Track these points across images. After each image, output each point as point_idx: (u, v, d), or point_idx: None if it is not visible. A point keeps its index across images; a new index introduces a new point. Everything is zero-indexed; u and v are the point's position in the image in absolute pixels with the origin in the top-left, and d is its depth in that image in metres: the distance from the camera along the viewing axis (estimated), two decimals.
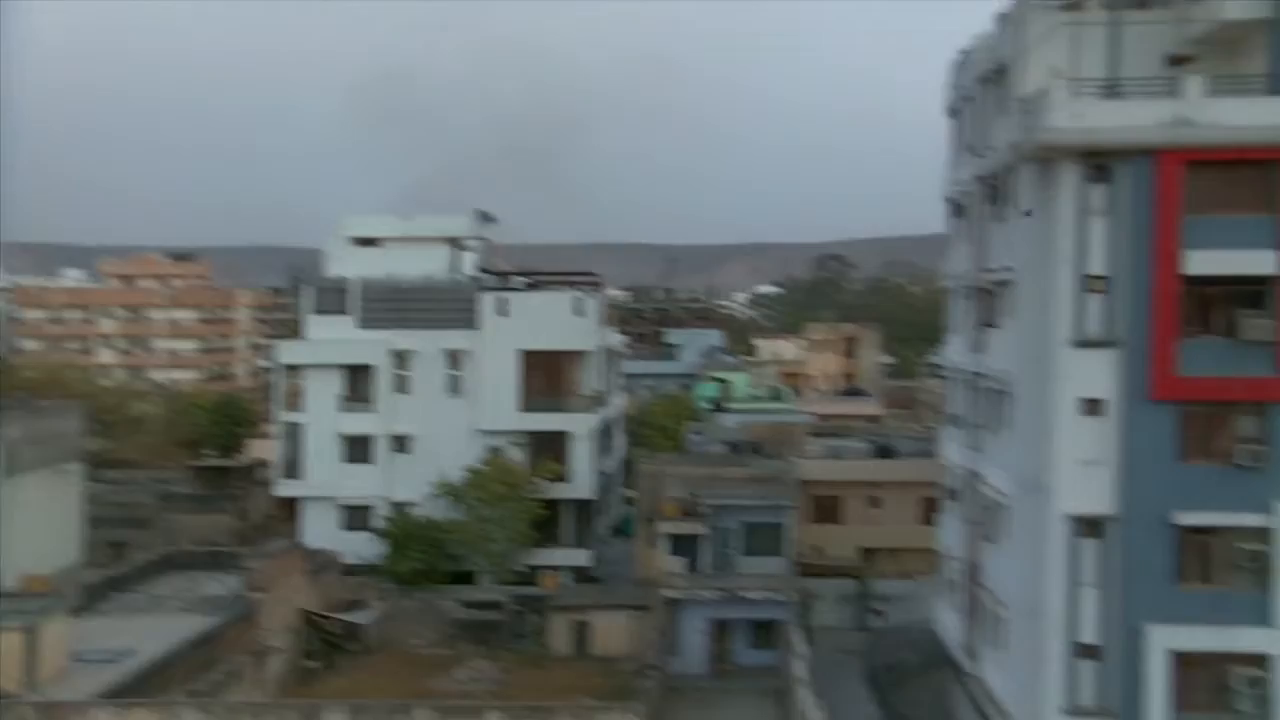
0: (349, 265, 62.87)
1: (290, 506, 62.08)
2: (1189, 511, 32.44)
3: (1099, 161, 33.14)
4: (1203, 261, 32.40)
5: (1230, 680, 32.34)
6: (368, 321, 61.13)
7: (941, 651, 44.93)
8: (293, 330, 66.20)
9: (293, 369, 61.59)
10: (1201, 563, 32.83)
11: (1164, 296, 32.61)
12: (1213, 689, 32.46)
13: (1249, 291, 32.62)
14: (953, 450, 45.43)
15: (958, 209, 45.07)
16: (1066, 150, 33.15)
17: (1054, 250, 33.65)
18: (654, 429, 76.45)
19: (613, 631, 49.29)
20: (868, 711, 44.42)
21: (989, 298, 40.26)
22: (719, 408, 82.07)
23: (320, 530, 59.82)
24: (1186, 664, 32.37)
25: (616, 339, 72.36)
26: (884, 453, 61.36)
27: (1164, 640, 32.35)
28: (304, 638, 48.82)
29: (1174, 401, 32.74)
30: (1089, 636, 33.35)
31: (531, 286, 64.30)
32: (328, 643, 49.52)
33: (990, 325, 40.12)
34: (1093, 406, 33.32)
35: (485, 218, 66.86)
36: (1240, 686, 32.25)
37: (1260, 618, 32.13)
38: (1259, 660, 32.13)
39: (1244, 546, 32.48)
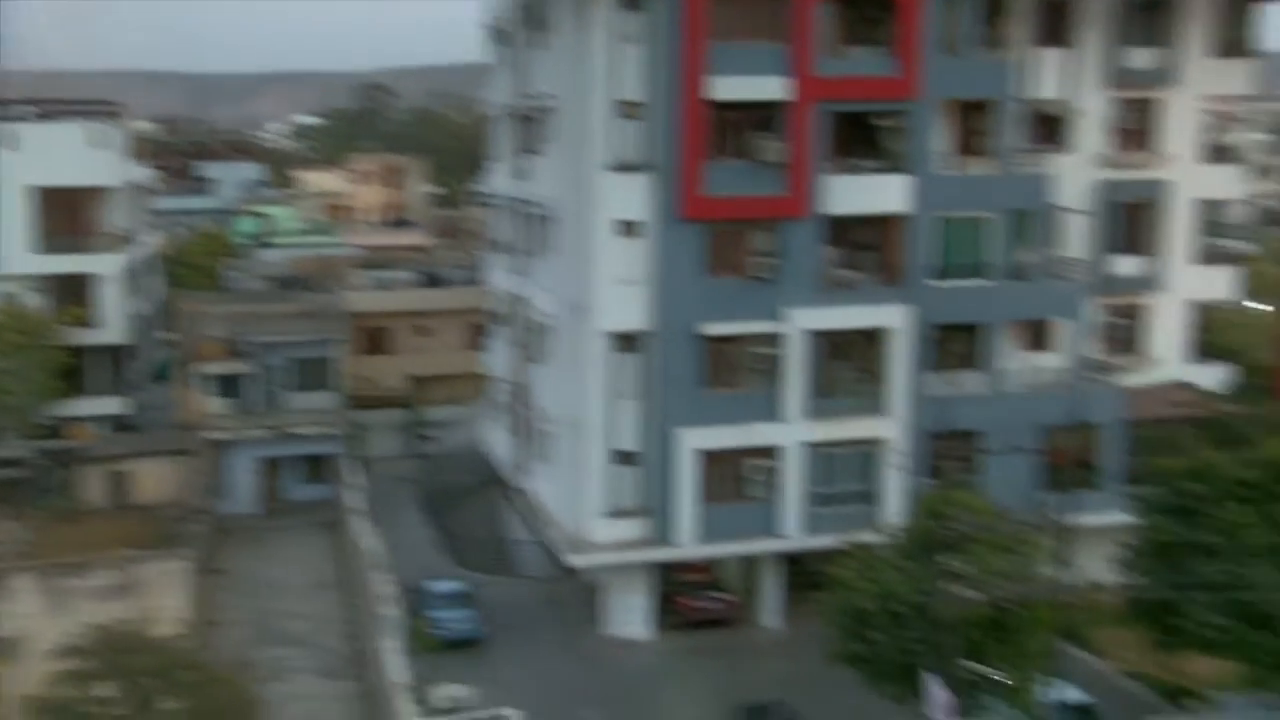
0: None
1: None
2: (714, 322, 35.10)
3: None
4: (725, 87, 34.42)
5: (746, 471, 35.83)
6: None
7: (493, 471, 46.59)
8: None
9: None
10: (724, 368, 35.80)
11: (691, 121, 34.45)
12: (732, 480, 35.84)
13: (763, 116, 35.12)
14: (499, 277, 46.41)
15: (499, 36, 45.09)
16: None
17: (591, 77, 34.54)
18: (192, 268, 72.32)
19: (154, 479, 47.06)
20: (423, 534, 45.51)
21: (531, 125, 40.88)
22: (260, 243, 78.90)
23: None
24: (711, 461, 35.48)
25: (145, 174, 67.28)
26: (432, 282, 61.68)
27: (693, 441, 35.21)
28: None
29: (701, 221, 34.99)
30: (628, 444, 35.70)
31: (44, 116, 58.08)
32: None
33: (533, 152, 40.85)
34: (629, 228, 34.98)
35: None
36: (754, 476, 35.82)
37: (771, 414, 35.62)
38: (769, 452, 35.74)
39: (758, 351, 35.66)
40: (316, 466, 49.67)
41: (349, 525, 42.49)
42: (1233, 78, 40.39)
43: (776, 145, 34.91)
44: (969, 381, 37.18)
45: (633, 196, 34.82)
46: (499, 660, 35.05)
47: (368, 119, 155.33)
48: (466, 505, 47.49)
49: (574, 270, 36.37)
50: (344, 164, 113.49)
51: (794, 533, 36.07)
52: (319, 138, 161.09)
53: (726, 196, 34.88)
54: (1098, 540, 31.65)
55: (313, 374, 50.05)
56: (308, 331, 50.84)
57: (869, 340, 36.51)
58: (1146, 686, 30.46)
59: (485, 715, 24.87)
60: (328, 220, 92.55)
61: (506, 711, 24.93)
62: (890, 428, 36.37)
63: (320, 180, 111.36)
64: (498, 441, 46.41)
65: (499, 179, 46.38)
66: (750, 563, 37.73)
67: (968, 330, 37.27)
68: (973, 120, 37.49)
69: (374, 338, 56.84)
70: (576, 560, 35.87)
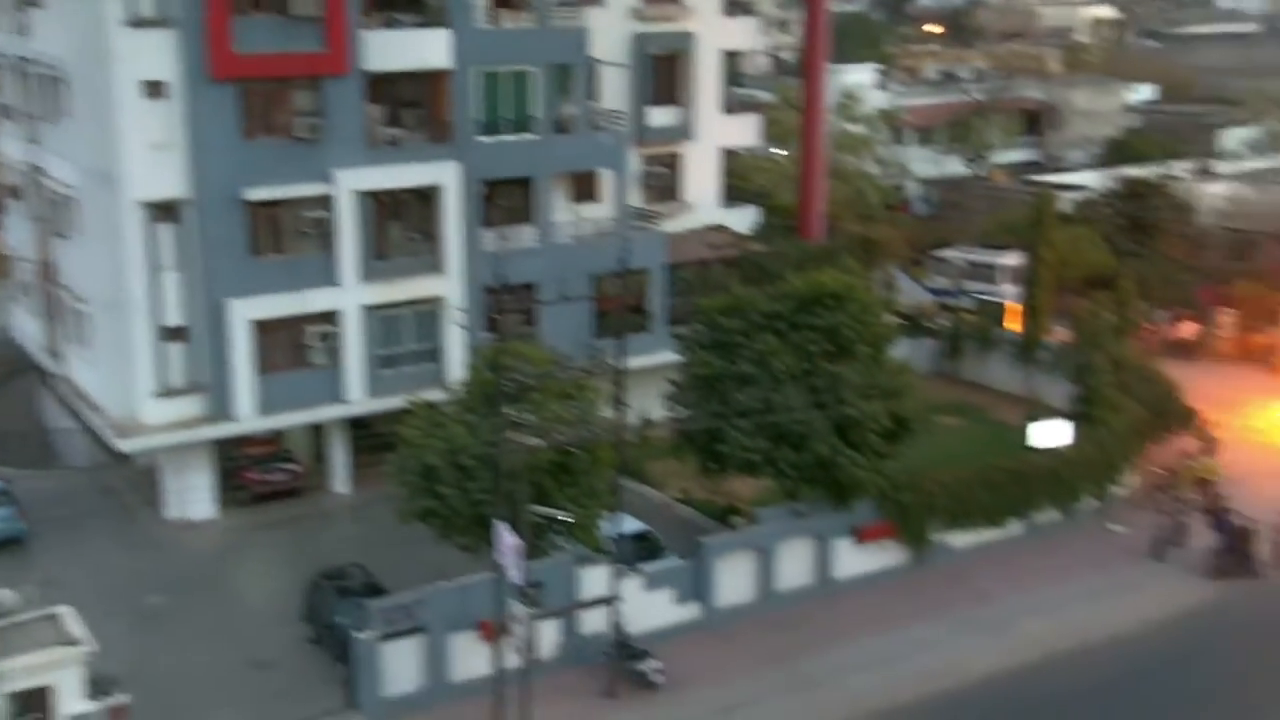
0: None
1: None
2: (258, 187, 33.56)
3: None
4: None
5: (305, 339, 35.02)
6: None
7: (24, 358, 42.88)
8: None
9: None
10: (274, 235, 34.47)
11: None
12: (291, 349, 34.91)
13: None
14: (9, 145, 41.95)
15: None
16: None
17: None
18: None
19: None
20: None
21: None
22: None
23: None
24: (267, 330, 34.30)
25: None
26: None
27: (245, 312, 33.84)
28: None
29: (234, 80, 33.05)
30: (175, 319, 33.85)
31: None
32: None
33: (33, 4, 36.89)
34: (155, 89, 32.54)
35: None
36: (314, 343, 35.08)
37: (328, 279, 34.84)
38: (328, 317, 35.07)
39: (309, 215, 34.59)
40: None
41: None
42: None
43: None
44: (522, 235, 37.93)
45: (156, 55, 32.29)
46: (48, 557, 32.77)
47: None
48: None
49: (95, 136, 33.49)
50: None
51: (359, 397, 35.78)
52: None
53: (260, 54, 33.05)
54: (649, 379, 33.60)
55: None
56: None
57: (422, 199, 36.27)
58: (698, 510, 33.05)
59: (35, 617, 23.23)
60: None
61: (59, 609, 23.41)
62: (448, 285, 36.56)
63: None
64: (26, 326, 42.59)
65: None
66: (317, 430, 37.18)
67: (518, 184, 37.84)
68: None
69: None
70: (126, 445, 33.89)
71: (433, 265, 36.38)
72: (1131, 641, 29.52)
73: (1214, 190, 57.77)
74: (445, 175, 35.98)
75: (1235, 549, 32.38)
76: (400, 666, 26.31)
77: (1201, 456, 37.57)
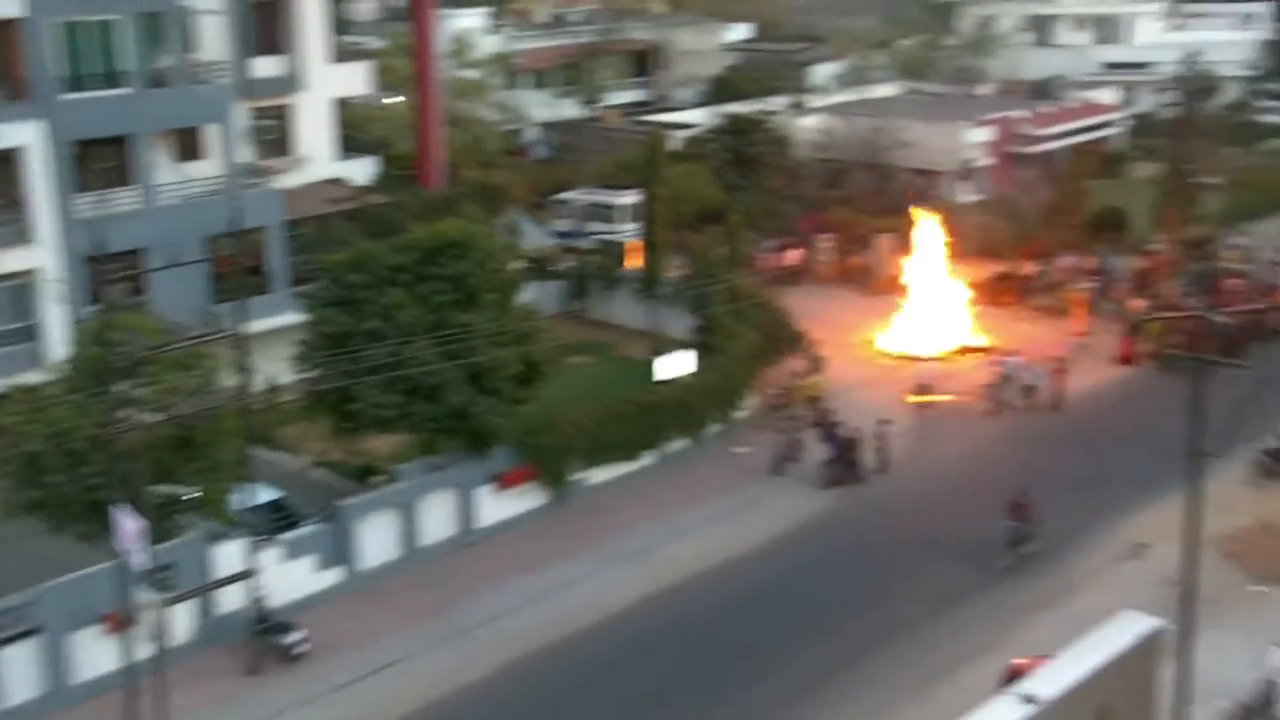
0: None
1: None
2: None
3: None
4: None
5: None
6: None
7: None
8: None
9: None
10: None
11: None
12: None
13: None
14: None
15: None
16: None
17: None
18: None
19: None
20: None
21: None
22: None
23: None
24: None
25: None
26: None
27: None
28: None
29: None
30: None
31: None
32: None
33: None
34: None
35: None
36: None
37: None
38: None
39: None
40: None
41: None
42: None
43: None
44: (122, 198, 35.49)
45: None
46: None
47: None
48: None
49: None
50: None
51: None
52: None
53: None
54: (276, 342, 32.45)
55: None
56: None
57: (2, 163, 33.21)
58: (336, 472, 32.34)
59: None
60: None
61: None
62: (42, 256, 33.79)
63: None
64: None
65: None
66: None
67: (114, 144, 35.35)
68: None
69: None
70: None
71: (21, 235, 33.49)
72: (761, 555, 31.47)
73: (807, 123, 61.65)
74: (26, 136, 33.10)
75: (843, 458, 35.06)
76: (12, 675, 24.32)
77: (809, 375, 40.35)
